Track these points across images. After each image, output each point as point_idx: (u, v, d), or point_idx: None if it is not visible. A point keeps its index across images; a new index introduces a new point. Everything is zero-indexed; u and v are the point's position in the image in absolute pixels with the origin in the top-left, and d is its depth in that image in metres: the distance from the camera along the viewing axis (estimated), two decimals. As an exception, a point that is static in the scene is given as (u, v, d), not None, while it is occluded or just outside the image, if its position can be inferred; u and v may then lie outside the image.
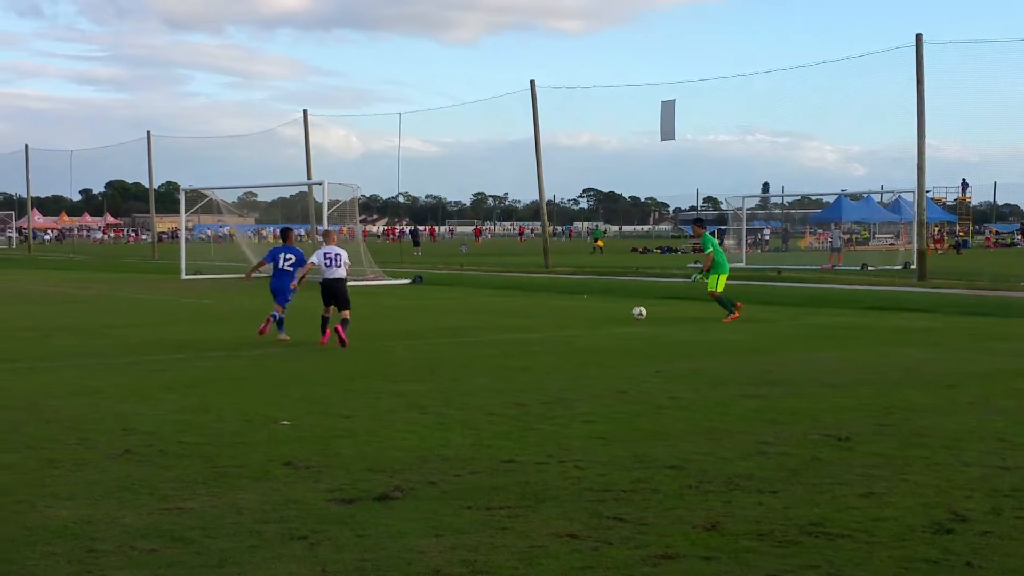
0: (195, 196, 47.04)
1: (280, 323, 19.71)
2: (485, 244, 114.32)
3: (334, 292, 19.14)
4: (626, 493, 8.02)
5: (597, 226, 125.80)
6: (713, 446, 9.78)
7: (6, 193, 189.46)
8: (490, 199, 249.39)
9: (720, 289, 23.84)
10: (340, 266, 19.30)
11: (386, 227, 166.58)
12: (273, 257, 20.30)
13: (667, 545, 6.72)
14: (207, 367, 15.51)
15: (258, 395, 12.83)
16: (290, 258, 20.05)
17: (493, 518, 7.34)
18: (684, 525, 7.17)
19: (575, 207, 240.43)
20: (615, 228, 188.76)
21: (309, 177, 55.76)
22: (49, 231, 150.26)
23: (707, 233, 24.54)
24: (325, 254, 19.42)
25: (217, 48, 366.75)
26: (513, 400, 12.36)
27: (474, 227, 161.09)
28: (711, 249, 23.83)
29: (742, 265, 53.46)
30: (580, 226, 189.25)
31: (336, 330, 18.26)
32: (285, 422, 10.94)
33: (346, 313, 18.89)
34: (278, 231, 22.79)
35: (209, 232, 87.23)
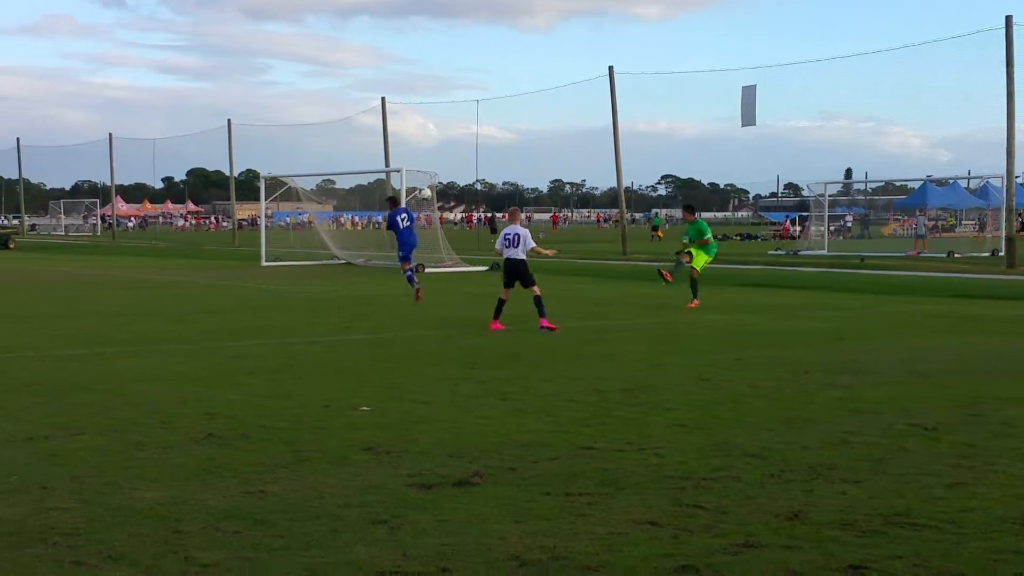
0: (275, 184, 47.40)
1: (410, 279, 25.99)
2: (562, 231, 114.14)
3: (516, 272, 19.15)
4: (706, 481, 7.95)
5: (656, 213, 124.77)
6: (795, 435, 9.65)
7: (91, 181, 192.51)
8: (567, 186, 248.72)
9: (700, 271, 23.56)
10: (519, 246, 19.15)
11: (463, 214, 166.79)
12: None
13: (748, 534, 6.63)
14: (288, 353, 15.61)
15: (338, 381, 12.87)
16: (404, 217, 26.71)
17: (572, 504, 7.31)
18: (766, 514, 7.07)
19: (653, 194, 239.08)
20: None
21: (387, 164, 56.01)
22: (132, 218, 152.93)
23: (700, 219, 24.75)
24: (505, 235, 19.45)
25: (295, 37, 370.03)
26: (592, 387, 12.28)
27: (551, 214, 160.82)
28: (709, 235, 23.71)
29: (824, 252, 52.89)
30: (653, 213, 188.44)
31: (542, 325, 18.31)
32: (365, 408, 10.97)
33: (535, 289, 18.92)
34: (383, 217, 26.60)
35: (288, 219, 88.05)
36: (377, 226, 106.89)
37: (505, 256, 19.31)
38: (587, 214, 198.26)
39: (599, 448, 9.09)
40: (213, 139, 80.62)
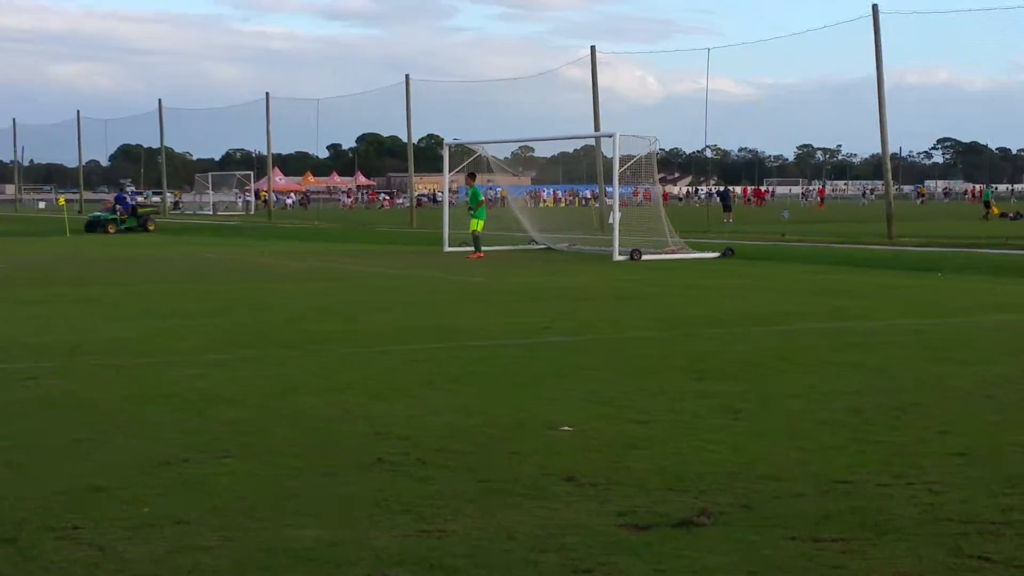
0: (460, 152, 47.63)
1: None
2: (811, 210, 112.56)
3: None
4: (995, 525, 7.68)
5: (987, 186, 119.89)
6: (1111, 468, 9.26)
7: (244, 150, 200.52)
8: (818, 152, 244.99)
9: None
10: None
11: (690, 187, 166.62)
12: None
13: (1050, 595, 6.38)
14: (474, 359, 15.65)
15: (534, 394, 12.83)
16: None
17: (823, 553, 7.14)
18: (1073, 570, 6.77)
19: (927, 161, 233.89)
20: (976, 187, 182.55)
21: (597, 128, 56.03)
22: (292, 194, 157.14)
23: None
24: None
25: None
26: (847, 404, 12.02)
27: (818, 187, 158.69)
28: None
29: None
30: (933, 185, 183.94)
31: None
32: (566, 428, 10.91)
33: None
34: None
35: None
36: (585, 202, 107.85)
37: None
38: (844, 186, 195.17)
39: (856, 482, 8.88)
40: (388, 98, 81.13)
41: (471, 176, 44.08)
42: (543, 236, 46.40)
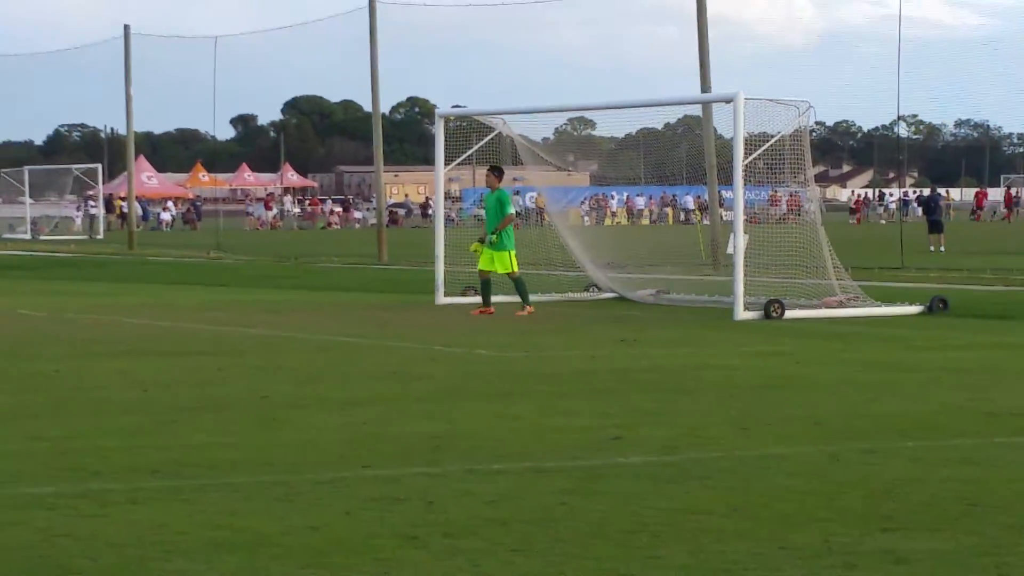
0: (465, 129, 38.13)
1: None
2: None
3: None
4: None
5: None
6: None
7: (86, 126, 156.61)
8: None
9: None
10: None
11: (869, 189, 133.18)
12: None
13: None
14: (491, 497, 12.17)
15: (601, 570, 9.22)
16: None
17: None
18: None
19: None
20: None
21: (705, 87, 48.69)
22: (170, 203, 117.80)
23: None
24: None
25: None
26: None
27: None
28: None
29: None
30: None
31: None
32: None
33: None
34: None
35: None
36: (685, 216, 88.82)
37: None
38: None
39: None
40: (337, 37, 71.22)
41: (494, 171, 32.37)
42: (611, 276, 37.05)
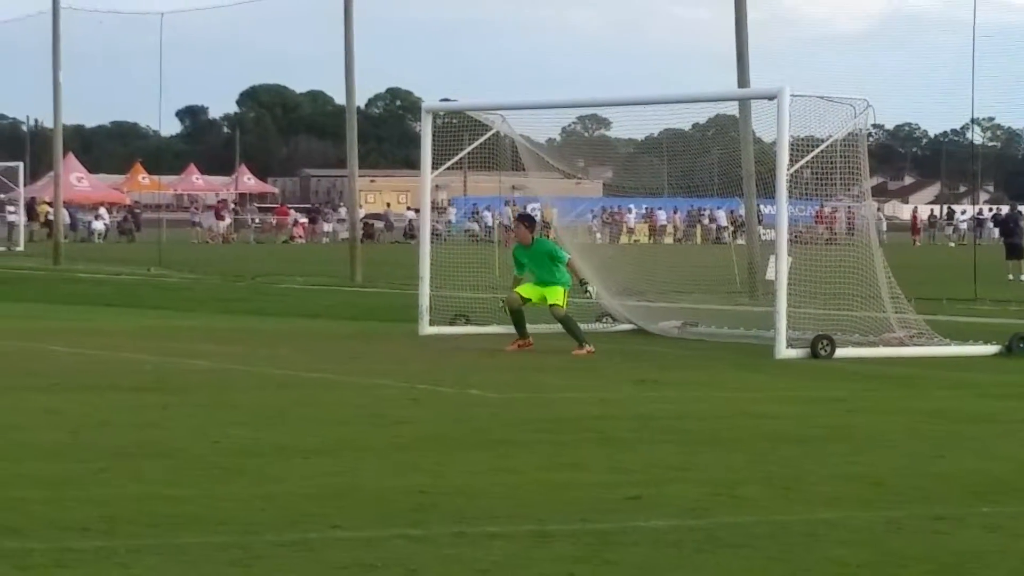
0: (455, 125, 38.01)
1: None
2: None
3: None
4: None
5: None
6: None
7: (5, 117, 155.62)
8: None
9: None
10: None
11: (937, 205, 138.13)
12: None
13: None
14: (484, 566, 12.34)
15: None
16: None
17: None
18: None
19: None
20: None
21: (743, 80, 45.99)
22: (103, 209, 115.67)
23: None
24: None
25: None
26: None
27: None
28: None
29: None
30: None
31: None
32: None
33: None
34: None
35: (487, 215, 78.23)
36: (717, 233, 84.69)
37: None
38: None
39: None
40: (304, 14, 72.36)
41: (525, 222, 31.12)
42: (627, 304, 36.72)
